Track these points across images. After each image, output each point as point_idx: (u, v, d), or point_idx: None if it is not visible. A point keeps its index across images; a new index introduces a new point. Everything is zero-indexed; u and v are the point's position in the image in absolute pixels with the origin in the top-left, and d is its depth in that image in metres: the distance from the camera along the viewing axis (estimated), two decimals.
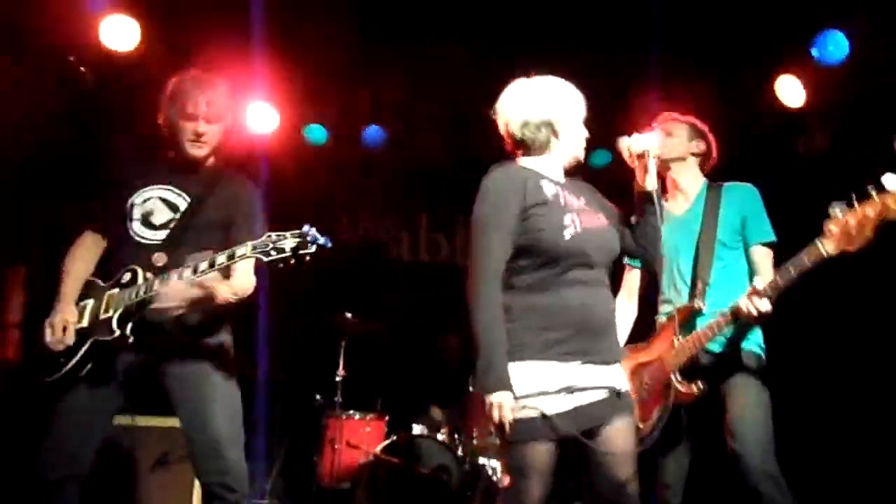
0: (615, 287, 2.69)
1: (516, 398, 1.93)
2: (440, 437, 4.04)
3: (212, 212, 2.39)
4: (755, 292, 2.27)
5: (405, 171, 5.13)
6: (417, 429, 4.14)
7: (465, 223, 6.06)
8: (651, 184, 2.15)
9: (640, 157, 2.15)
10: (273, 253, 2.03)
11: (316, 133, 4.78)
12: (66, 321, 2.27)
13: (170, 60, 3.72)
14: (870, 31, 3.51)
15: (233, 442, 2.31)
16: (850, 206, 2.10)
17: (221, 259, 2.13)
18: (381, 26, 4.09)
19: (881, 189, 2.05)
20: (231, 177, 2.50)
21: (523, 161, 2.18)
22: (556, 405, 1.96)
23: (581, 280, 2.05)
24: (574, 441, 1.98)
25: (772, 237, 2.55)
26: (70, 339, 2.25)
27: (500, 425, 1.93)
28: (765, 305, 2.26)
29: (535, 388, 1.96)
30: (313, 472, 4.13)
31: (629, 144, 2.18)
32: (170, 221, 2.37)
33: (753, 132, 4.30)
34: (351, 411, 4.17)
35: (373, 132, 4.84)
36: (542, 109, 2.13)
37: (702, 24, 3.95)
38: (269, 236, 2.05)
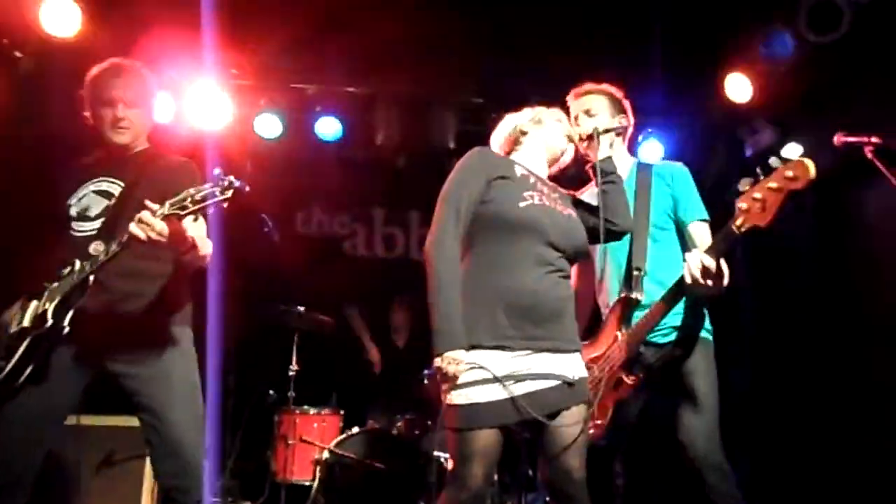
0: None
1: (460, 386, 1.98)
2: (394, 430, 4.03)
3: (147, 193, 2.30)
4: (697, 252, 2.26)
5: (360, 164, 5.08)
6: (371, 423, 4.12)
7: (421, 218, 6.05)
8: (602, 154, 2.25)
9: (590, 137, 2.22)
10: (190, 205, 2.03)
11: (269, 127, 4.68)
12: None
13: (113, 47, 3.59)
14: (813, 30, 3.60)
15: (193, 443, 2.29)
16: (756, 180, 2.14)
17: (147, 215, 2.07)
18: (332, 13, 4.02)
19: (784, 160, 2.10)
20: (165, 158, 2.47)
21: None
22: (501, 392, 1.99)
23: (540, 261, 2.07)
24: (525, 427, 2.02)
25: (705, 215, 2.56)
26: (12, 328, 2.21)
27: (452, 378, 1.97)
28: (709, 260, 2.21)
29: (482, 374, 1.99)
30: (267, 469, 4.07)
31: (579, 132, 2.24)
32: (105, 210, 2.34)
33: (702, 128, 4.40)
34: (304, 406, 4.13)
35: (327, 125, 4.77)
36: (514, 119, 2.37)
37: (653, 20, 4.01)
38: (188, 191, 2.05)
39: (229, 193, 2.02)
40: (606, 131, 2.36)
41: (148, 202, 2.06)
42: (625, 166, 2.63)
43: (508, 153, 2.35)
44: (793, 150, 2.09)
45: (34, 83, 3.81)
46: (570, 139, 2.34)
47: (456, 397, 2.00)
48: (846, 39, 3.49)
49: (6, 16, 3.60)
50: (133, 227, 2.04)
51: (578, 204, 2.34)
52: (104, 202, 2.35)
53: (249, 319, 4.59)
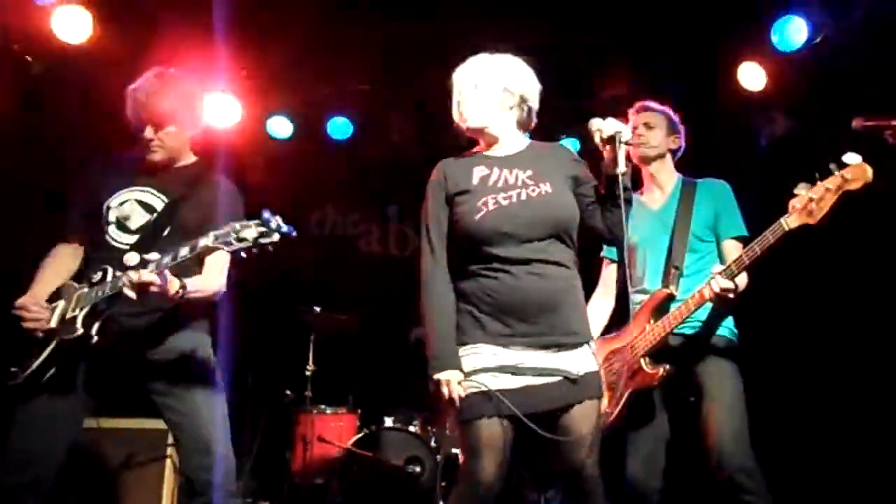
0: (594, 281, 2.73)
1: (461, 380, 2.00)
2: (412, 429, 4.03)
3: (188, 214, 2.36)
4: (718, 272, 2.35)
5: (373, 162, 5.08)
6: (389, 421, 4.12)
7: None
8: (620, 167, 2.08)
9: (611, 139, 2.11)
10: (235, 242, 2.00)
11: (281, 126, 4.69)
12: (34, 297, 2.25)
13: (124, 53, 3.62)
14: (828, 16, 3.56)
15: (221, 438, 2.31)
16: (814, 183, 2.21)
17: (184, 252, 2.10)
18: (345, 11, 4.02)
19: (842, 165, 2.17)
20: (210, 178, 2.47)
21: (477, 148, 2.28)
22: (500, 382, 1.99)
23: (506, 258, 2.04)
24: (538, 421, 1.99)
25: (743, 231, 2.59)
26: (44, 313, 2.22)
27: (451, 402, 1.99)
28: (726, 283, 2.32)
29: (475, 366, 2.00)
30: (286, 469, 4.09)
31: (600, 127, 2.14)
32: (146, 224, 2.35)
33: (716, 119, 4.35)
34: (322, 406, 4.14)
35: (338, 123, 4.77)
36: (454, 103, 2.25)
37: (664, 11, 3.97)
38: (233, 226, 2.02)
39: (276, 237, 1.98)
40: (628, 143, 2.29)
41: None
42: (670, 181, 2.73)
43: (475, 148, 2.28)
44: (852, 157, 2.15)
45: (45, 88, 3.84)
46: (594, 133, 2.14)
47: (465, 382, 2.01)
48: (862, 24, 3.44)
49: (18, 22, 3.63)
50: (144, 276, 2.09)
51: (577, 181, 2.19)
52: (146, 216, 2.36)
53: (265, 320, 4.61)
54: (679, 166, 2.80)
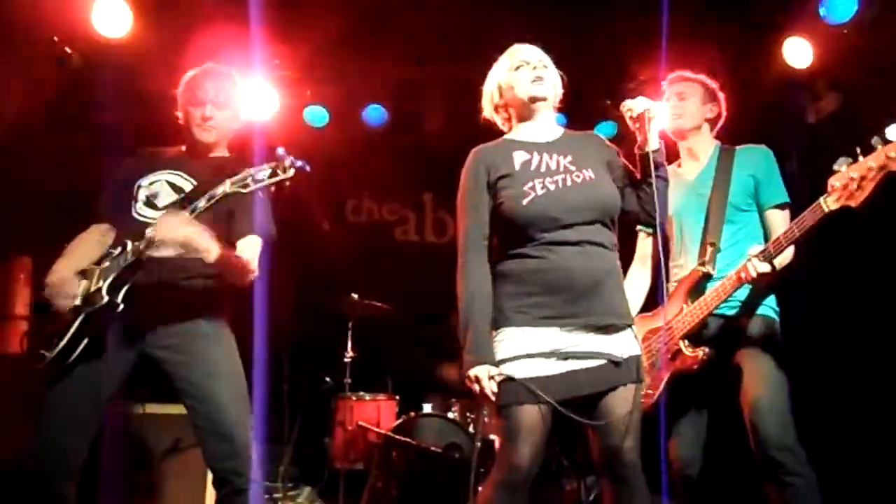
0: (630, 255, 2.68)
1: (498, 363, 1.99)
2: (451, 415, 4.03)
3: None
4: (755, 255, 2.27)
5: (408, 150, 5.07)
6: (428, 408, 4.13)
7: None
8: (652, 145, 2.12)
9: (640, 117, 2.11)
10: (251, 183, 2.05)
11: (316, 115, 4.72)
12: (58, 273, 2.26)
13: (162, 46, 3.67)
14: None
15: (240, 425, 2.30)
16: (855, 160, 2.08)
17: (202, 203, 2.14)
18: (377, 1, 4.01)
19: (886, 141, 2.03)
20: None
21: (509, 134, 2.27)
22: (541, 368, 1.98)
23: (552, 241, 2.04)
24: (577, 407, 1.99)
25: (785, 198, 2.50)
26: (73, 288, 2.23)
27: (485, 395, 1.98)
28: (763, 267, 2.25)
29: (515, 352, 1.99)
30: (326, 455, 4.13)
31: (631, 106, 2.15)
32: (173, 203, 2.36)
33: (760, 96, 4.22)
34: (361, 392, 4.17)
35: (374, 112, 4.77)
36: (486, 99, 2.30)
37: None
38: (247, 170, 2.06)
39: (291, 173, 2.03)
40: (658, 120, 2.26)
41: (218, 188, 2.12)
42: (707, 150, 2.64)
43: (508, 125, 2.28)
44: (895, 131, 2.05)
45: (85, 81, 3.90)
46: (625, 114, 2.19)
47: (497, 375, 1.99)
48: None
49: (58, 15, 3.68)
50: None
51: (610, 166, 2.20)
52: (174, 195, 2.38)
53: (303, 308, 4.66)
54: (721, 140, 2.70)
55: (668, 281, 2.60)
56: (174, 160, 2.48)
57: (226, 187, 2.09)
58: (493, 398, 1.98)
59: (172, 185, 2.41)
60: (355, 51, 4.39)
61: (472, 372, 2.00)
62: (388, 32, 4.19)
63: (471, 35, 4.16)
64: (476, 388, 1.99)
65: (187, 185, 2.40)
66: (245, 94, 2.55)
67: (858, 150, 2.06)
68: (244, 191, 2.06)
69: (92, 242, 2.40)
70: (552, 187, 2.08)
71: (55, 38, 3.76)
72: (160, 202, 2.37)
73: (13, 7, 3.48)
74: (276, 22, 3.89)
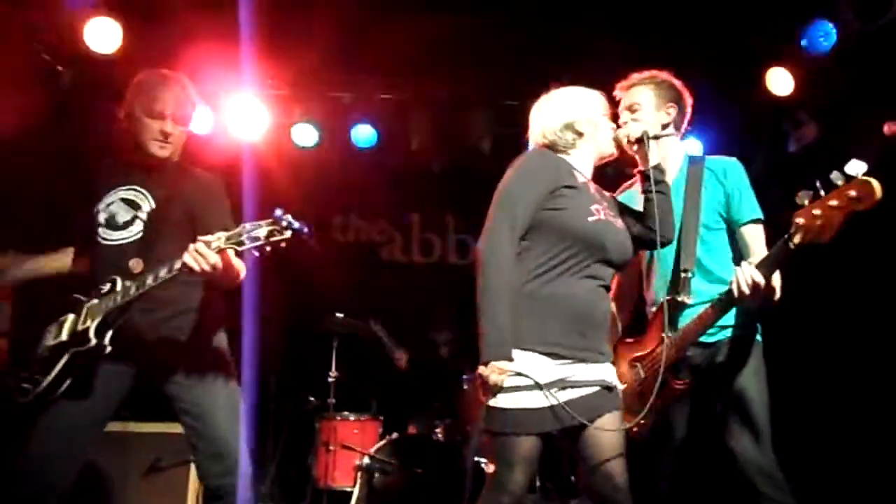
0: None
1: (506, 390, 1.97)
2: (435, 436, 4.01)
3: (180, 209, 2.37)
4: (748, 266, 2.20)
5: (396, 170, 5.10)
6: (412, 428, 4.11)
7: (457, 223, 6.02)
8: (653, 161, 2.20)
9: (639, 141, 2.17)
10: (247, 242, 2.01)
11: (306, 134, 4.73)
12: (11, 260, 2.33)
13: (152, 61, 3.67)
14: (856, 20, 3.49)
15: (236, 444, 2.31)
16: (817, 196, 2.02)
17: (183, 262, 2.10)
18: (365, 21, 4.04)
19: (848, 177, 1.96)
20: (194, 173, 2.48)
21: (564, 156, 2.24)
22: (545, 399, 1.98)
23: (593, 275, 2.10)
24: (566, 434, 2.01)
25: (759, 213, 2.44)
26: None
27: (490, 388, 1.96)
28: (760, 278, 2.16)
29: (527, 380, 1.97)
30: (309, 475, 4.10)
31: (627, 133, 2.20)
32: (132, 220, 2.35)
33: (744, 124, 4.30)
34: (345, 412, 4.14)
35: (363, 132, 4.80)
36: (563, 113, 2.23)
37: (690, 16, 3.94)
38: (244, 226, 2.03)
39: (288, 234, 1.98)
40: (657, 137, 2.28)
41: (202, 238, 2.07)
42: (676, 159, 2.54)
43: (557, 151, 2.23)
44: (856, 167, 1.95)
45: (75, 97, 3.91)
46: (618, 143, 2.26)
47: (502, 401, 1.99)
48: (893, 26, 3.37)
49: (49, 32, 3.70)
50: (188, 259, 2.05)
51: (623, 210, 2.30)
52: (131, 212, 2.36)
53: (289, 327, 4.64)
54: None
55: (647, 305, 2.60)
56: (125, 176, 2.41)
57: (220, 241, 2.05)
58: (497, 391, 1.96)
59: (127, 202, 2.37)
60: (343, 71, 4.43)
61: (494, 363, 1.95)
62: (377, 51, 4.22)
63: (459, 56, 4.21)
64: (492, 378, 1.94)
65: (143, 199, 2.38)
66: (197, 104, 2.47)
67: (818, 183, 2.01)
68: (239, 248, 2.03)
69: (55, 255, 2.46)
70: (609, 219, 2.14)
71: (45, 56, 3.77)
72: (119, 220, 2.35)
73: (3, 24, 3.48)
74: (265, 41, 3.92)
